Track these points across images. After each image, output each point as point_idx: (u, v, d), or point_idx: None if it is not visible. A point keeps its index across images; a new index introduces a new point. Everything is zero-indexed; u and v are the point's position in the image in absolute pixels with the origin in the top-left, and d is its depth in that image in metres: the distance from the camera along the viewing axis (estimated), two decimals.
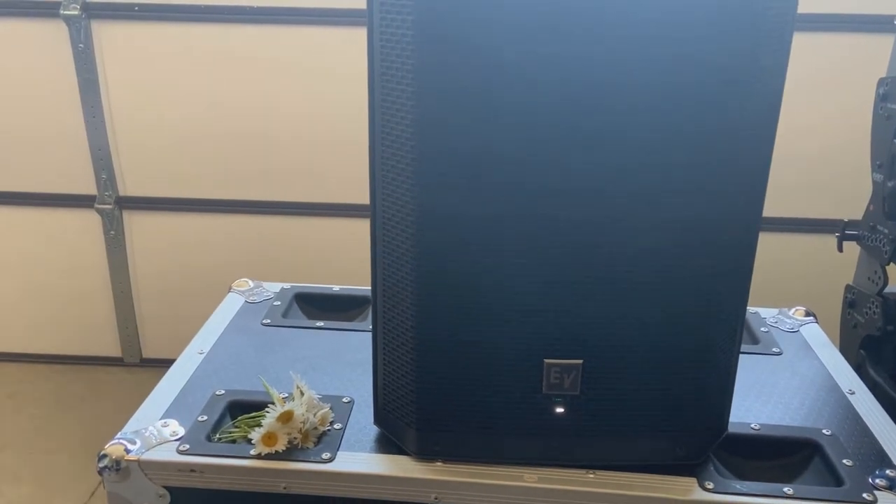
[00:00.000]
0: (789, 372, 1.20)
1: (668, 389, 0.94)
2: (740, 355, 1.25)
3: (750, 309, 1.41)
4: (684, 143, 0.84)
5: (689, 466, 0.96)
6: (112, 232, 2.05)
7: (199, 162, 1.97)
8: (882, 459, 0.98)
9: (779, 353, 1.26)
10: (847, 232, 1.38)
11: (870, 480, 0.94)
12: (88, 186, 2.02)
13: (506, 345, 0.92)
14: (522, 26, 0.80)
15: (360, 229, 2.01)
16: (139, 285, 2.14)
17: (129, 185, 2.03)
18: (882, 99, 1.30)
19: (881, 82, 1.32)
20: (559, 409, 0.94)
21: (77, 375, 2.06)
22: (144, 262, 2.11)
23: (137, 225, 2.08)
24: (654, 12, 0.80)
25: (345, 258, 2.04)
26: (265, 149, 1.97)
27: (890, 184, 1.27)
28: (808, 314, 1.40)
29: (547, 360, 0.91)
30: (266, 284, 1.49)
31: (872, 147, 1.33)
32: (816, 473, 0.99)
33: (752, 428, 1.05)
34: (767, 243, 1.87)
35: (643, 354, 0.92)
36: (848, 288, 1.43)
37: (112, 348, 2.22)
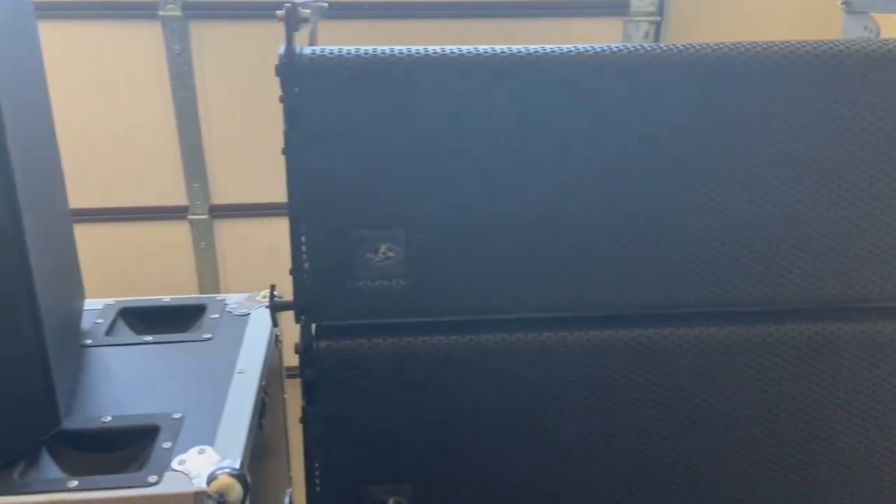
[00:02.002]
0: (199, 358, 1.21)
1: None
2: (164, 345, 1.28)
3: (218, 296, 1.43)
4: None
5: None
6: None
7: None
8: (203, 440, 1.01)
9: (208, 339, 1.28)
10: None
11: (171, 462, 0.96)
12: None
13: None
14: None
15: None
16: None
17: None
18: None
19: None
20: None
21: None
22: None
23: None
24: None
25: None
26: None
27: None
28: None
29: None
30: None
31: None
32: (141, 460, 1.00)
33: (103, 421, 1.05)
34: None
35: None
36: None
37: None
